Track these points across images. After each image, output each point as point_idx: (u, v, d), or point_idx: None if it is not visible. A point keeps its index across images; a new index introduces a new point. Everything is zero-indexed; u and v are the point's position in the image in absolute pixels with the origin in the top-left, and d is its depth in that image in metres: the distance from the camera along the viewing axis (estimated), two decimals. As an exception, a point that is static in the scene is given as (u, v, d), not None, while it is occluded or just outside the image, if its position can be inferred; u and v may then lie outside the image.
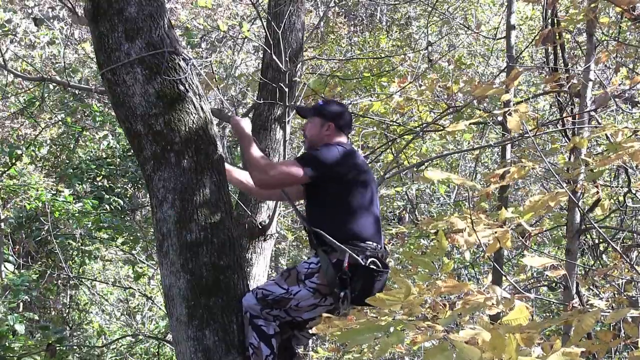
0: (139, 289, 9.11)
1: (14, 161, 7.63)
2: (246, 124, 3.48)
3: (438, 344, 2.05)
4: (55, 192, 7.54)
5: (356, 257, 3.17)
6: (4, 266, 7.51)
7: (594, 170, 3.18)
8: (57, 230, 8.03)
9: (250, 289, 3.36)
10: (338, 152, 3.34)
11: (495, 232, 2.83)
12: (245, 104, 9.15)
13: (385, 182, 7.73)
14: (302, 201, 3.65)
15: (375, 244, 3.26)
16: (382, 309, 2.39)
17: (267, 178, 3.29)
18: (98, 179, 8.58)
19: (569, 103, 5.56)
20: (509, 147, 5.86)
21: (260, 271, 4.43)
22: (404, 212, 9.99)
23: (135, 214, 9.21)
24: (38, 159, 8.82)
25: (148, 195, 3.53)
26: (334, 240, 3.19)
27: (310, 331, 3.36)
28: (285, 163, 3.49)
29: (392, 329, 2.17)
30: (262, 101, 4.62)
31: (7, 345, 6.53)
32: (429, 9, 8.35)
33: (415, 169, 6.92)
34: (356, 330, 2.20)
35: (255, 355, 3.17)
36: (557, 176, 3.26)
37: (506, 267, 7.73)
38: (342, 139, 3.47)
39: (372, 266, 3.18)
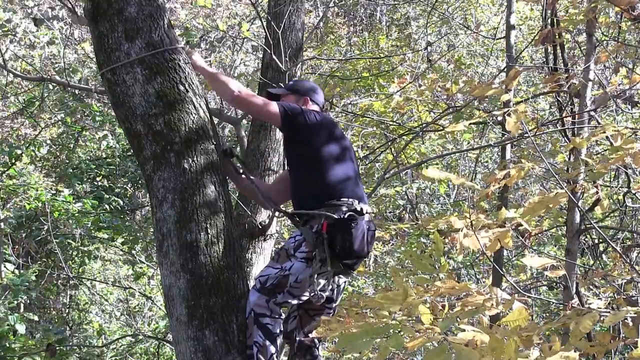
0: (139, 289, 9.11)
1: (13, 161, 7.63)
2: (199, 57, 3.50)
3: (437, 346, 2.05)
4: (55, 192, 7.53)
5: (331, 215, 3.21)
6: (4, 266, 7.51)
7: (594, 171, 3.19)
8: (57, 230, 8.02)
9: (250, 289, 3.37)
10: (316, 113, 3.45)
11: (495, 234, 2.83)
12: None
13: (385, 182, 7.73)
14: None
15: (352, 200, 3.30)
16: (381, 310, 2.39)
17: (244, 99, 3.35)
18: (98, 178, 8.58)
19: (569, 103, 5.56)
20: (508, 147, 5.86)
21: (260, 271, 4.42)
22: (404, 212, 9.99)
23: (135, 214, 9.20)
24: (38, 158, 8.82)
25: (148, 195, 3.53)
26: (307, 211, 3.27)
27: (331, 308, 3.39)
28: (264, 99, 3.50)
29: (391, 331, 2.17)
30: (262, 101, 4.61)
31: (8, 345, 6.52)
32: (429, 9, 8.35)
33: (415, 169, 6.92)
34: (355, 335, 2.19)
35: (260, 353, 3.17)
36: (556, 176, 3.26)
37: (506, 267, 7.73)
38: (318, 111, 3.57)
39: (346, 217, 3.22)
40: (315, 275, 3.19)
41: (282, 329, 3.29)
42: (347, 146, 3.47)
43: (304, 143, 3.36)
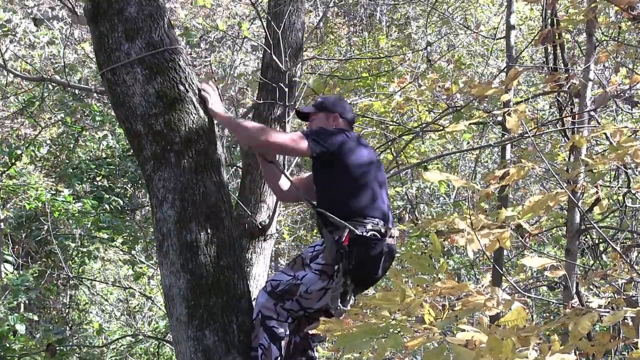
0: (139, 289, 9.12)
1: (13, 161, 7.64)
2: (219, 103, 3.36)
3: (436, 347, 2.05)
4: (54, 192, 7.54)
5: (353, 229, 3.15)
6: (4, 266, 7.51)
7: (594, 171, 3.19)
8: (57, 230, 8.02)
9: (251, 289, 3.37)
10: (344, 133, 3.36)
11: (494, 234, 2.83)
12: (245, 104, 9.15)
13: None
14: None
15: (377, 220, 3.24)
16: (380, 310, 2.39)
17: (271, 142, 3.27)
18: (98, 178, 8.58)
19: (569, 103, 5.56)
20: (508, 147, 5.86)
21: (260, 271, 4.43)
22: (404, 212, 9.99)
23: (135, 214, 9.20)
24: (38, 158, 8.82)
25: (148, 195, 3.53)
26: (336, 218, 3.20)
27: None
28: (289, 133, 3.46)
29: (390, 331, 2.17)
30: (262, 101, 4.62)
31: (8, 345, 6.53)
32: (429, 9, 8.35)
33: (415, 169, 6.93)
34: (354, 335, 2.19)
35: (264, 356, 3.17)
36: (556, 176, 3.26)
37: (506, 267, 7.73)
38: (348, 128, 3.48)
39: (368, 235, 3.17)
40: (340, 290, 3.14)
41: (287, 333, 3.27)
42: (375, 165, 3.39)
43: (332, 165, 3.30)
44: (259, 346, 3.19)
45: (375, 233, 3.20)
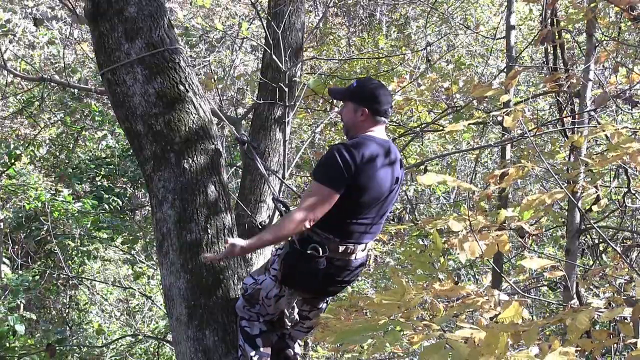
0: (139, 289, 9.12)
1: (13, 161, 7.64)
2: (237, 243, 3.08)
3: (434, 343, 2.06)
4: (54, 192, 7.54)
5: (293, 241, 3.03)
6: (3, 266, 7.52)
7: (594, 171, 3.19)
8: (56, 230, 8.03)
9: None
10: (341, 162, 2.98)
11: (494, 238, 2.82)
12: (245, 104, 9.15)
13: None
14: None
15: (341, 241, 3.03)
16: (380, 307, 2.39)
17: (301, 220, 2.94)
18: (97, 178, 8.59)
19: (569, 103, 5.57)
20: (508, 147, 5.86)
21: (260, 271, 4.43)
22: (404, 212, 9.99)
23: (135, 214, 9.21)
24: (37, 158, 8.83)
25: (148, 195, 3.54)
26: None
27: (304, 326, 3.36)
28: (308, 194, 3.04)
29: (390, 328, 2.17)
30: (262, 101, 4.62)
31: (8, 345, 6.53)
32: (428, 9, 8.35)
33: (415, 169, 6.93)
34: (353, 331, 2.20)
35: (243, 356, 3.19)
36: (555, 176, 3.26)
37: (506, 267, 7.73)
38: (376, 126, 3.13)
39: (309, 252, 3.00)
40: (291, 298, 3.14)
41: (263, 329, 3.24)
42: (382, 177, 3.07)
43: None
44: (239, 347, 3.21)
45: (313, 252, 3.00)
